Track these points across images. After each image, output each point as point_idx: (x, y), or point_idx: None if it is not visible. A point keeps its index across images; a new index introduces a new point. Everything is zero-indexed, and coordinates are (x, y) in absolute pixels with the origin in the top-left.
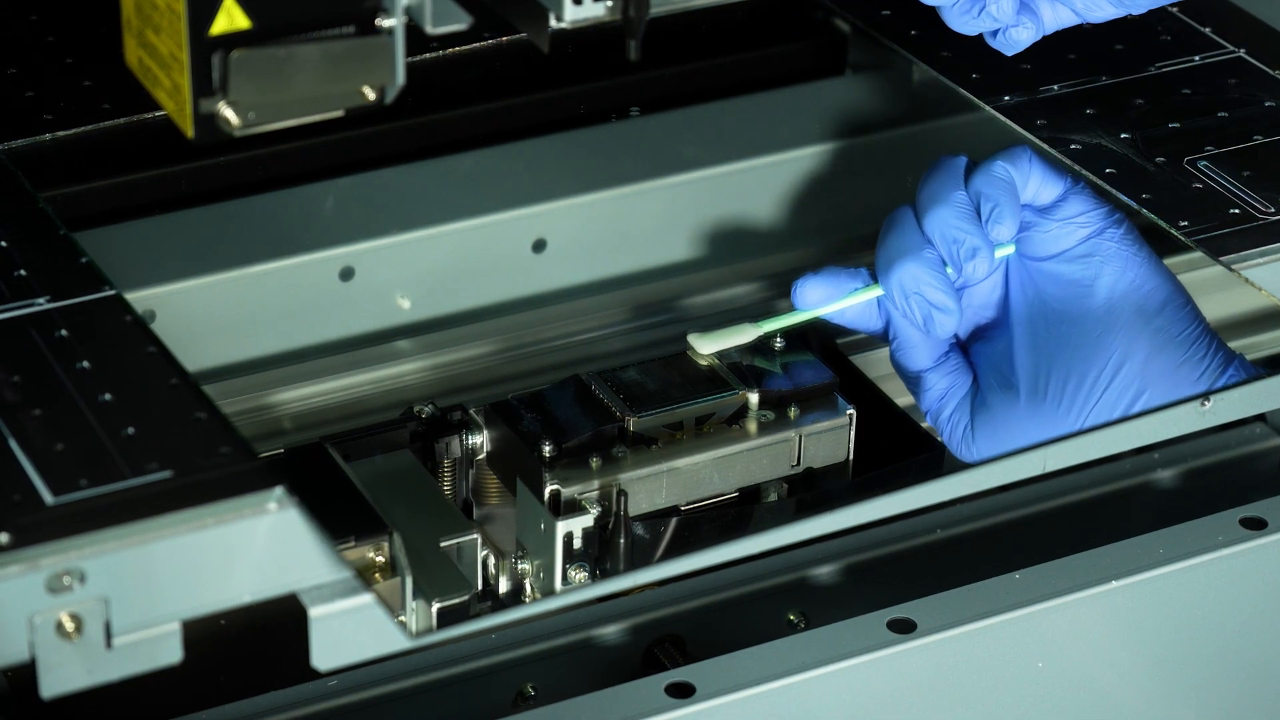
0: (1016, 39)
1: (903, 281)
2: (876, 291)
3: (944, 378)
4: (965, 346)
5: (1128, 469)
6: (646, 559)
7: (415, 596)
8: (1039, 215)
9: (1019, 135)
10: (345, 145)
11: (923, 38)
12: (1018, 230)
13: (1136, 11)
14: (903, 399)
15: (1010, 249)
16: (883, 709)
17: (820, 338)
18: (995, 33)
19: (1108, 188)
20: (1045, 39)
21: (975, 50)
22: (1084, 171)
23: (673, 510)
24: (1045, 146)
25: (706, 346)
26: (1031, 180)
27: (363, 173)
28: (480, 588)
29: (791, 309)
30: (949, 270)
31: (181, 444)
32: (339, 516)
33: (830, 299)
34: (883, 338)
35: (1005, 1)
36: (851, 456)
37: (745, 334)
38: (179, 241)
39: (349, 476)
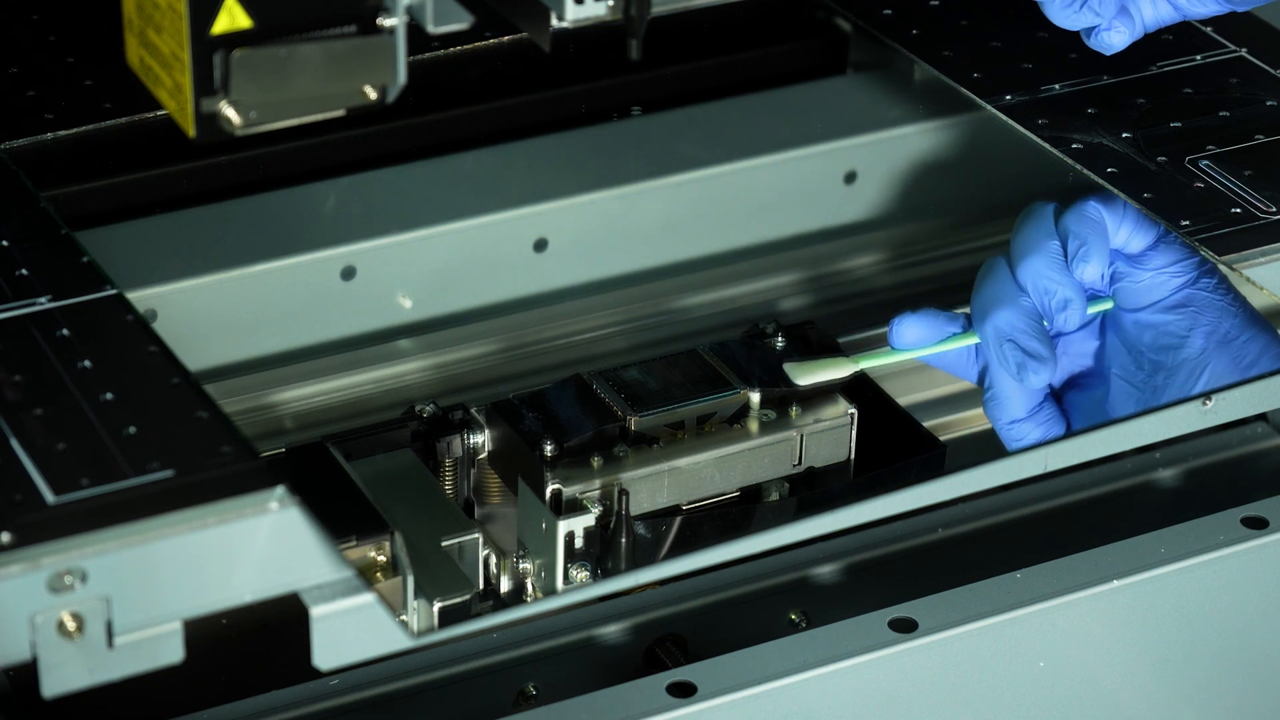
0: (1110, 42)
1: (998, 328)
2: (973, 339)
3: (1038, 428)
4: (1059, 395)
5: (1129, 468)
6: (648, 558)
7: (417, 596)
8: (1131, 265)
9: (1020, 134)
10: (347, 145)
11: (924, 37)
12: (1108, 278)
13: (1241, 9)
14: (904, 398)
15: (1109, 304)
16: (884, 709)
17: (821, 337)
18: (1092, 34)
19: (1110, 187)
20: (1047, 38)
21: (977, 50)
22: (1168, 223)
23: (674, 509)
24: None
25: (802, 378)
26: (1124, 226)
27: (364, 172)
28: (482, 587)
29: (882, 336)
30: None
31: (183, 443)
32: (340, 516)
33: (926, 340)
34: (978, 387)
35: (1108, 1)
36: (853, 456)
37: (842, 368)
38: (180, 241)
39: (350, 476)
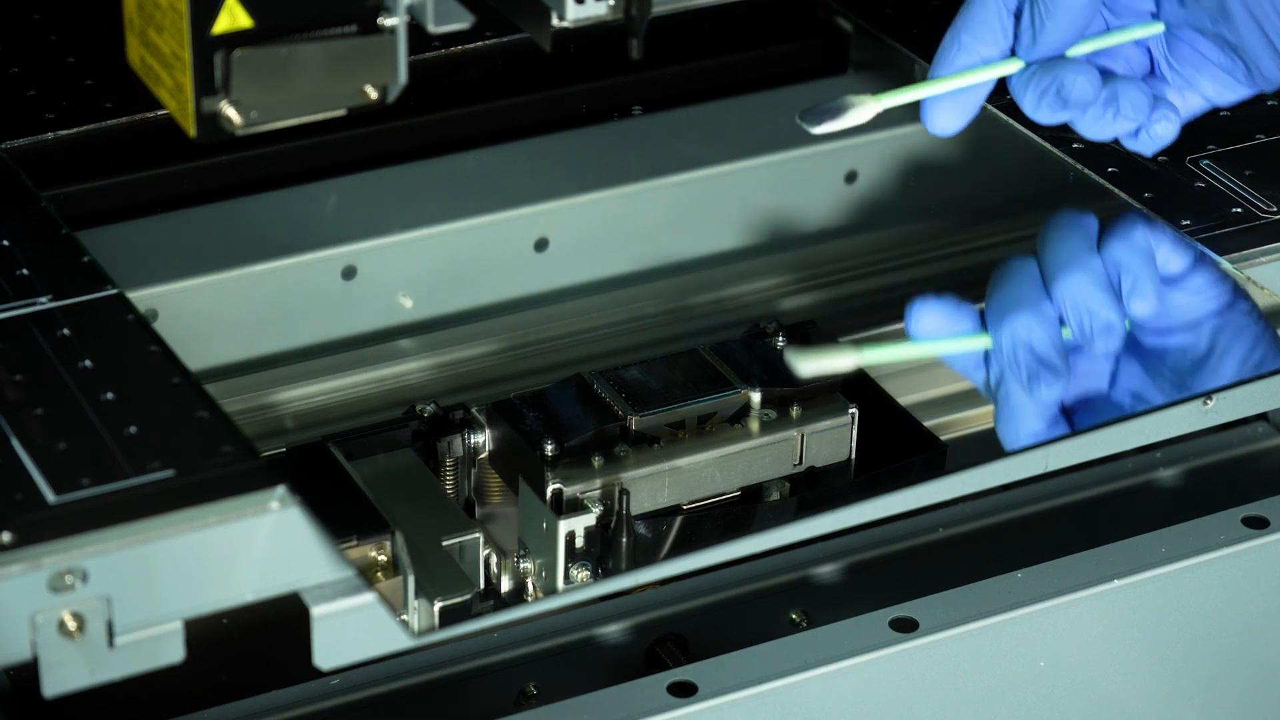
0: (1160, 134)
1: (1014, 332)
2: (986, 340)
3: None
4: (1071, 417)
5: (1130, 468)
6: (648, 558)
7: (417, 595)
8: (1164, 285)
9: (1020, 134)
10: (347, 144)
11: (925, 36)
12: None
13: (1269, 89)
14: (904, 398)
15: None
16: (885, 708)
17: (822, 336)
18: (1137, 133)
19: (1110, 187)
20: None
21: None
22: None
23: (675, 509)
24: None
25: (806, 366)
26: (1162, 249)
27: (365, 172)
28: (482, 587)
29: (887, 334)
30: (1065, 332)
31: (183, 443)
32: (341, 515)
33: (943, 330)
34: (986, 395)
35: (1139, 99)
36: (853, 455)
37: (847, 357)
38: (181, 240)
39: (351, 475)
